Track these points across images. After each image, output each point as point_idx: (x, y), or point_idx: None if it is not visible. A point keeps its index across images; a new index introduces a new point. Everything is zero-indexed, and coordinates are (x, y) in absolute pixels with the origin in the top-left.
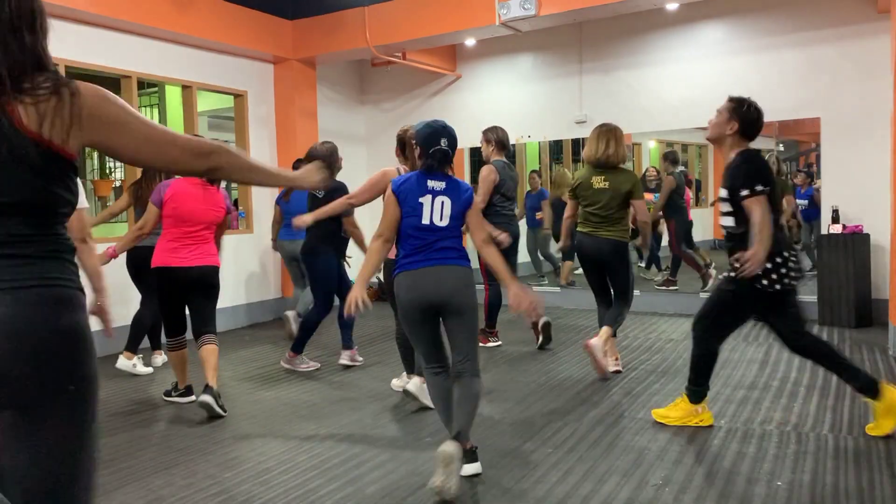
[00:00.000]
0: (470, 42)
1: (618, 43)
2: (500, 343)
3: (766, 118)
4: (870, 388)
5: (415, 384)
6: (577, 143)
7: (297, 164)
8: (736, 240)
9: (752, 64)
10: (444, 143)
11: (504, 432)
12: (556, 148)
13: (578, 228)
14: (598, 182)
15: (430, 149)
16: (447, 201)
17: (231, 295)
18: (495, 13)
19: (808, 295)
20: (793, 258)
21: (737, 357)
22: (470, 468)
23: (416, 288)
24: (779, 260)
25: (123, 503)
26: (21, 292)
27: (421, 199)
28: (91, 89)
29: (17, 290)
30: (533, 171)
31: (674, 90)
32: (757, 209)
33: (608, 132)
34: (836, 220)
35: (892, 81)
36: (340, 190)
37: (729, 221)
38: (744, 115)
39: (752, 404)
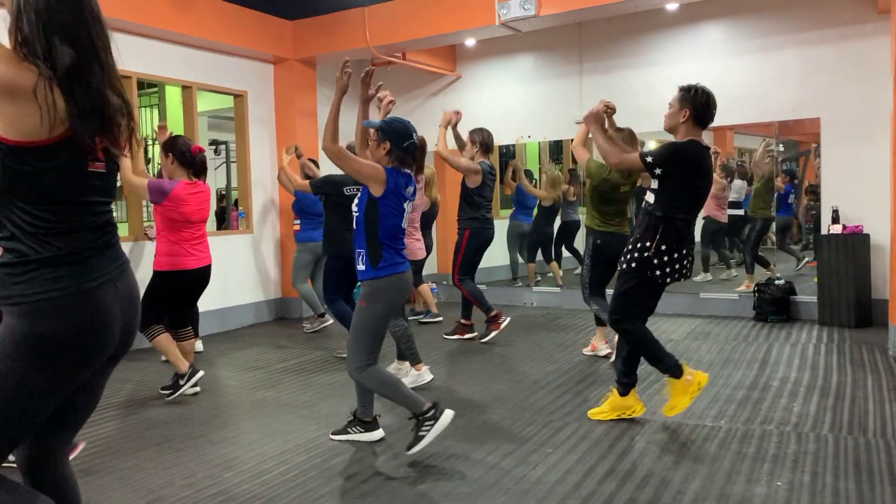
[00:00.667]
0: (470, 42)
1: (618, 43)
2: (475, 335)
3: (766, 118)
4: (675, 369)
5: (413, 375)
6: None
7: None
8: (650, 219)
9: (752, 64)
10: (415, 137)
11: (504, 433)
12: (555, 148)
13: (601, 227)
14: (625, 186)
15: (402, 142)
16: (409, 205)
17: (231, 295)
18: (495, 13)
19: (808, 295)
20: (689, 258)
21: (737, 357)
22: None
23: (407, 288)
24: (675, 255)
25: (123, 503)
26: (129, 267)
27: (404, 205)
28: None
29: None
30: (526, 170)
31: (674, 90)
32: (625, 157)
33: (635, 137)
34: (836, 220)
35: (892, 81)
36: (333, 182)
37: (650, 198)
38: (693, 101)
39: (752, 404)
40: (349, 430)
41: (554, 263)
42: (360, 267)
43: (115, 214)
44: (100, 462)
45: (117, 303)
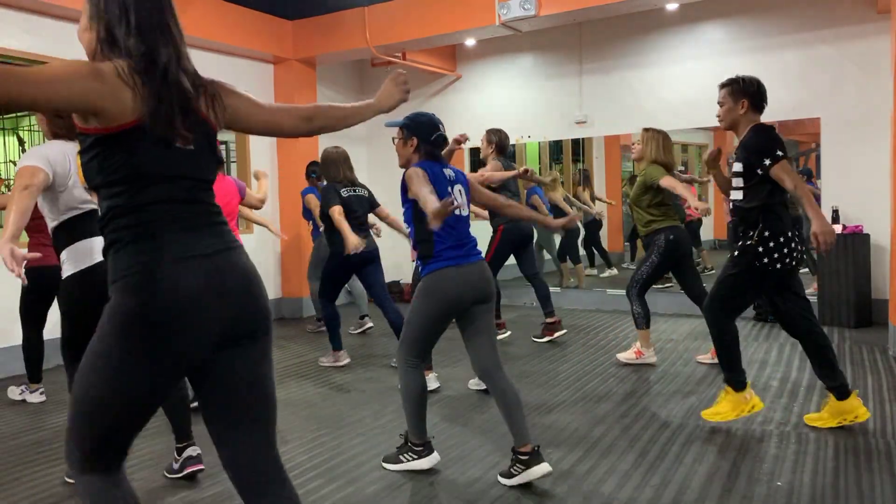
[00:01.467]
0: (470, 42)
1: (618, 43)
2: (508, 332)
3: (766, 118)
4: (842, 391)
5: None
6: (577, 144)
7: (311, 167)
8: (743, 214)
9: (752, 64)
10: (442, 128)
11: (503, 433)
12: (556, 148)
13: (667, 223)
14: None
15: (430, 135)
16: (461, 189)
17: None
18: (495, 13)
19: (808, 295)
20: (796, 238)
21: None
22: (540, 469)
23: (468, 283)
24: (782, 239)
25: None
26: (242, 248)
27: (449, 188)
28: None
29: (241, 247)
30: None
31: (674, 90)
32: (786, 175)
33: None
34: (836, 220)
35: (892, 81)
36: (334, 191)
37: (738, 195)
38: (746, 90)
39: None
40: (401, 455)
41: (579, 266)
42: (420, 268)
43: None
44: None
45: (214, 277)
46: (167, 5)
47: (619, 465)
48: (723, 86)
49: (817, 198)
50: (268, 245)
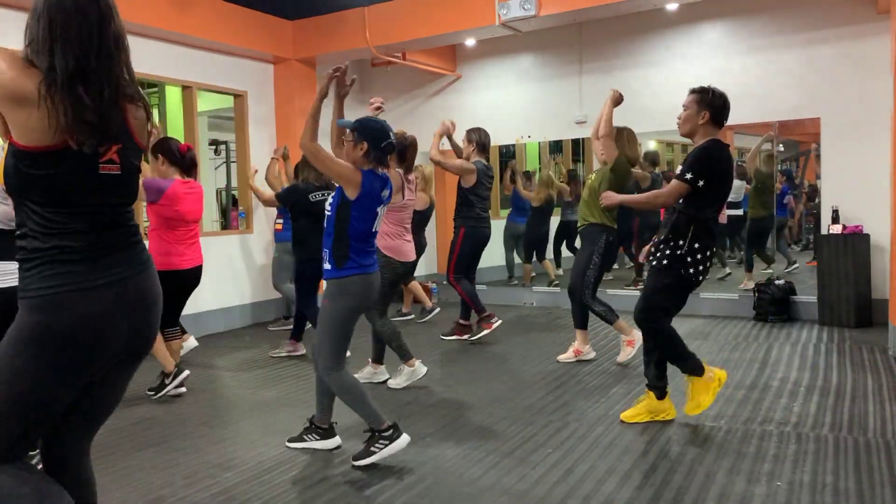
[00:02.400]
0: (470, 42)
1: (618, 43)
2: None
3: (766, 118)
4: (698, 368)
5: (406, 372)
6: (577, 144)
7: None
8: (675, 224)
9: (752, 64)
10: (392, 136)
11: (503, 433)
12: (555, 148)
13: (612, 224)
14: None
15: (381, 143)
16: (383, 209)
17: (231, 295)
18: (495, 13)
19: (808, 295)
20: (712, 258)
21: (737, 357)
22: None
23: (374, 289)
24: (708, 254)
25: (123, 503)
26: (152, 265)
27: (378, 209)
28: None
29: (151, 265)
30: (526, 171)
31: (674, 90)
32: (671, 189)
33: (634, 136)
34: (836, 220)
35: (892, 81)
36: (298, 191)
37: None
38: (711, 103)
39: (752, 404)
40: (305, 437)
41: (546, 262)
42: (326, 266)
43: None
44: (100, 462)
45: (123, 302)
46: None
47: (619, 465)
48: (692, 91)
49: (809, 196)
50: (268, 245)
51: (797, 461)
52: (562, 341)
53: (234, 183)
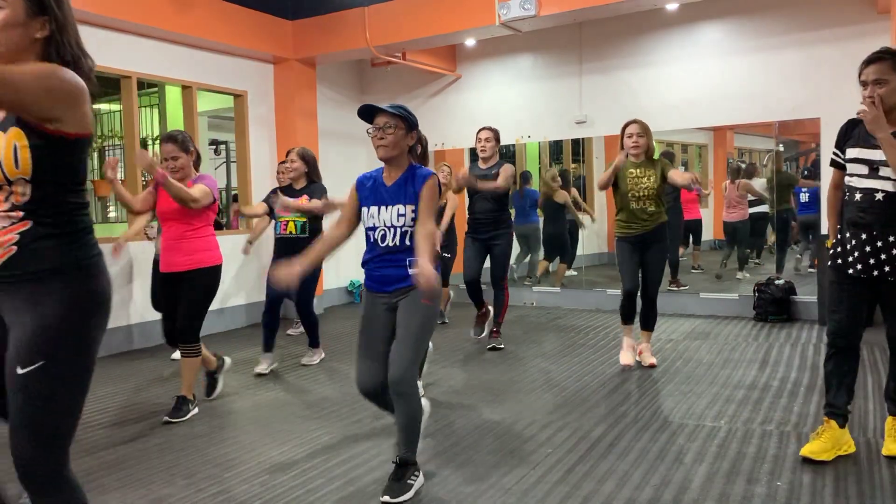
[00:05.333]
0: (470, 42)
1: (618, 43)
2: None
3: (766, 118)
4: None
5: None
6: (577, 144)
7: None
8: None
9: (752, 64)
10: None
11: (503, 432)
12: (555, 148)
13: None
14: None
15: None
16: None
17: (231, 295)
18: (495, 13)
19: (808, 295)
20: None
21: (737, 357)
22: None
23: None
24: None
25: (123, 503)
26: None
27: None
28: None
29: None
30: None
31: (674, 90)
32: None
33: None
34: None
35: None
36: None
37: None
38: None
39: (752, 404)
40: (409, 480)
41: (562, 265)
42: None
43: (114, 214)
44: (100, 462)
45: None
46: None
47: (618, 465)
48: (879, 58)
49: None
50: (268, 245)
51: (797, 461)
52: (562, 341)
53: (234, 183)
